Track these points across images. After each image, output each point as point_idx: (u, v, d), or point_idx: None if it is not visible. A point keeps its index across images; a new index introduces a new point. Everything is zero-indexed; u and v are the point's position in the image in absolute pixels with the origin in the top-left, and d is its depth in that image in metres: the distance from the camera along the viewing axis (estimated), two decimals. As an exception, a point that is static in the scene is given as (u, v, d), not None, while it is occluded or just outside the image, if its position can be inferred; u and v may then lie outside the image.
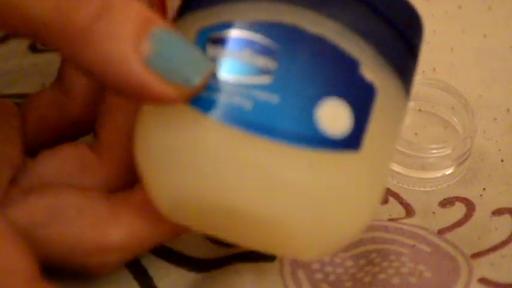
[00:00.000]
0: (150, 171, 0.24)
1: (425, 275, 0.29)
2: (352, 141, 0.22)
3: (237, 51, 0.22)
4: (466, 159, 0.34)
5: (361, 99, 0.22)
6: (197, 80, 0.21)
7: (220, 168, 0.22)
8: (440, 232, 0.32)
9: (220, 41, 0.22)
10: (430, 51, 0.39)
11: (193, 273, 0.29)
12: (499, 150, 0.35)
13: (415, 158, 0.33)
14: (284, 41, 0.22)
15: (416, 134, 0.36)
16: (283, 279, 0.29)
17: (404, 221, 0.32)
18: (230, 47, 0.22)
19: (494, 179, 0.34)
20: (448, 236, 0.32)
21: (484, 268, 0.30)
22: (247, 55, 0.22)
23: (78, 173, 0.27)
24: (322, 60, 0.22)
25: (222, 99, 0.22)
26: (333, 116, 0.22)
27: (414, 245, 0.31)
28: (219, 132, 0.22)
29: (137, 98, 0.22)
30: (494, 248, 0.31)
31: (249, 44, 0.22)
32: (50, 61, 0.39)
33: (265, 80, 0.22)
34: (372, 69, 0.23)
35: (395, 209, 0.33)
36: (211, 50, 0.22)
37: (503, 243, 0.31)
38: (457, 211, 0.33)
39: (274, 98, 0.22)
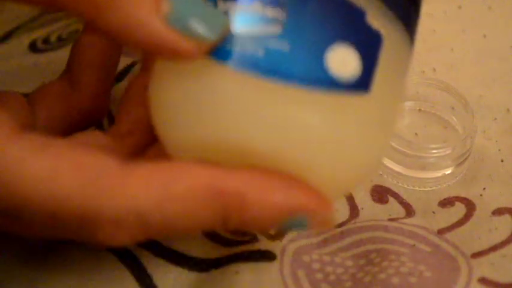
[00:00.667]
0: (168, 123, 0.25)
1: (425, 274, 0.30)
2: (361, 84, 0.24)
3: (247, 5, 0.23)
4: (466, 159, 0.34)
5: (368, 45, 0.24)
6: (215, 35, 0.23)
7: (238, 111, 0.23)
8: (440, 232, 0.32)
9: None
10: (430, 51, 0.39)
11: (193, 273, 0.29)
12: (499, 150, 0.35)
13: (415, 158, 0.33)
14: None
15: (416, 134, 0.36)
16: (283, 279, 0.29)
17: (404, 220, 0.32)
18: (241, 1, 0.24)
19: (494, 179, 0.34)
20: (448, 236, 0.32)
21: (484, 268, 0.30)
22: (257, 7, 0.23)
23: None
24: (330, 10, 0.24)
25: (237, 49, 0.23)
26: (343, 60, 0.23)
27: (414, 245, 0.31)
28: (235, 78, 0.23)
29: (158, 54, 0.24)
30: (494, 248, 0.31)
31: None
32: (50, 61, 0.39)
33: (276, 29, 0.23)
34: (378, 18, 0.24)
35: (395, 209, 0.33)
36: (222, 5, 0.24)
37: (503, 243, 0.31)
38: (457, 211, 0.33)
39: (285, 46, 0.23)
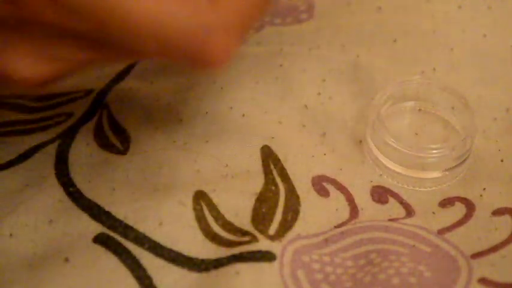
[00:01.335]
0: None
1: (425, 275, 0.30)
2: None
3: None
4: (466, 159, 0.34)
5: None
6: None
7: None
8: (440, 232, 0.32)
9: None
10: (430, 51, 0.39)
11: (193, 273, 0.29)
12: (499, 150, 0.35)
13: (415, 158, 0.33)
14: None
15: (416, 134, 0.36)
16: (283, 280, 0.29)
17: (404, 221, 0.32)
18: None
19: (494, 179, 0.34)
20: (448, 236, 0.32)
21: (484, 268, 0.30)
22: None
23: None
24: None
25: None
26: None
27: (414, 245, 0.31)
28: None
29: None
30: (494, 248, 0.31)
31: None
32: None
33: None
34: None
35: (395, 209, 0.33)
36: None
37: (503, 243, 0.31)
38: (457, 211, 0.33)
39: None
